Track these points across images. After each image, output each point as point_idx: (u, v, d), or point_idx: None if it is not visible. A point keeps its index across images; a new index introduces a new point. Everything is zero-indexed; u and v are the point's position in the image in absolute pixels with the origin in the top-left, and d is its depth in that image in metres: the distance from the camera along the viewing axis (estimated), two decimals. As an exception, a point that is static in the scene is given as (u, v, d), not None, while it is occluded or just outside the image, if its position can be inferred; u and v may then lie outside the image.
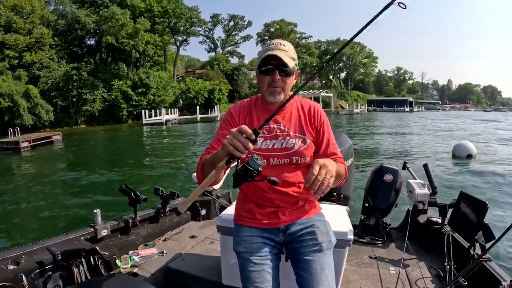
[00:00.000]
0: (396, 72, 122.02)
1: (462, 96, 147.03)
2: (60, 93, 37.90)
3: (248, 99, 1.94)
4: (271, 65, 1.67)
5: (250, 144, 1.30)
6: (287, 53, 1.68)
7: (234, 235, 1.85)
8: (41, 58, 38.14)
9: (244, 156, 1.32)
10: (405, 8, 1.20)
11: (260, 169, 1.36)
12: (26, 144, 20.59)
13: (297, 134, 1.76)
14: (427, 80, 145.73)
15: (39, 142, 21.87)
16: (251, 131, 1.30)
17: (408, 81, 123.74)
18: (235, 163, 1.37)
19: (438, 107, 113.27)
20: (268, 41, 1.75)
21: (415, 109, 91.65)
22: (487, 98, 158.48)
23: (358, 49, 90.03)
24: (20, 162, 16.60)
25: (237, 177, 1.40)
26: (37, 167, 14.91)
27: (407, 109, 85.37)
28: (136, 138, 27.62)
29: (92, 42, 46.76)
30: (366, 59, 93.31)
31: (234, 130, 1.32)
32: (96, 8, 43.92)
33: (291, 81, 1.74)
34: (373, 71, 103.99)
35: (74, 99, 38.75)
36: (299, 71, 1.84)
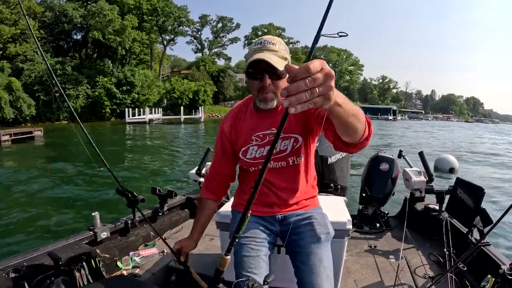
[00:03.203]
0: (381, 80, 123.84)
1: (445, 107, 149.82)
2: (43, 87, 37.22)
3: (240, 102, 1.84)
4: (259, 68, 1.49)
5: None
6: (277, 53, 1.51)
7: (231, 221, 1.88)
8: (26, 51, 37.38)
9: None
10: (347, 35, 0.98)
11: None
12: (7, 137, 20.15)
13: (289, 135, 1.65)
14: (411, 90, 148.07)
15: (20, 137, 21.40)
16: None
17: (393, 90, 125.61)
18: None
19: (421, 116, 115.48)
20: (257, 39, 1.58)
21: (399, 118, 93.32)
22: (469, 110, 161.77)
23: (344, 56, 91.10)
24: (1, 156, 16.18)
25: None
26: (19, 163, 14.50)
27: (391, 117, 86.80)
28: (120, 137, 27.28)
29: (78, 36, 46.20)
30: (352, 67, 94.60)
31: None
32: (84, 2, 43.40)
33: (284, 83, 1.53)
34: (359, 79, 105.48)
35: (57, 94, 38.09)
36: None
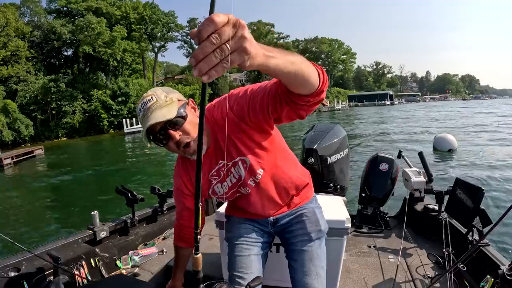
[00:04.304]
0: (375, 66, 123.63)
1: (441, 87, 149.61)
2: (39, 107, 37.18)
3: (178, 155, 1.70)
4: (158, 132, 1.38)
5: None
6: (159, 103, 1.36)
7: (225, 225, 1.86)
8: (18, 72, 37.28)
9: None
10: None
11: None
12: (9, 160, 20.06)
13: (234, 160, 1.54)
14: (405, 73, 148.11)
15: (21, 158, 21.40)
16: None
17: (387, 75, 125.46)
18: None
19: (418, 98, 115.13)
20: (138, 106, 1.42)
21: (396, 102, 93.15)
22: (465, 87, 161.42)
23: (336, 46, 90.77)
24: (5, 179, 16.21)
25: None
26: (24, 183, 14.57)
27: (388, 102, 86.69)
28: (120, 147, 27.34)
29: (69, 52, 46.14)
30: (344, 56, 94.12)
31: None
32: (72, 18, 43.23)
33: (191, 122, 1.41)
34: (352, 67, 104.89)
35: (54, 112, 38.07)
36: (191, 98, 1.53)
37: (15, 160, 20.65)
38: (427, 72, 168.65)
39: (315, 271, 1.61)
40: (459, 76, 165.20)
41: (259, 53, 0.76)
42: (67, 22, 42.08)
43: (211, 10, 0.67)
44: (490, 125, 25.30)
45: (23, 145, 32.86)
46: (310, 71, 1.01)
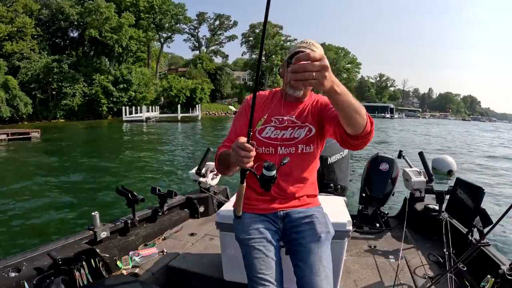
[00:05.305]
0: (378, 78, 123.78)
1: (443, 105, 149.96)
2: (40, 86, 37.17)
3: (265, 91, 1.98)
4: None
5: (252, 153, 1.38)
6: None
7: (236, 223, 1.85)
8: (22, 49, 37.25)
9: (251, 164, 1.41)
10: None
11: (273, 174, 1.47)
12: (4, 136, 20.07)
13: (305, 124, 1.78)
14: (408, 88, 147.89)
15: (17, 137, 21.23)
16: (248, 145, 1.38)
17: (390, 88, 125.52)
18: (247, 172, 1.49)
19: (418, 114, 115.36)
20: (303, 40, 1.79)
21: (396, 116, 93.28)
22: (466, 108, 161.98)
23: (342, 54, 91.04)
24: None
25: (261, 185, 1.53)
26: (17, 163, 14.41)
27: (388, 115, 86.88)
28: (118, 136, 27.12)
29: (75, 34, 46.22)
30: (349, 65, 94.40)
31: (234, 146, 1.43)
32: (81, 0, 43.22)
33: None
34: (356, 77, 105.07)
35: (54, 93, 38.04)
36: None
37: (10, 137, 20.56)
38: (430, 89, 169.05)
39: (324, 273, 1.61)
40: (461, 96, 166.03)
41: (329, 86, 1.14)
42: (76, 4, 42.15)
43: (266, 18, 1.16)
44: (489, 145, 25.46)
45: (20, 123, 32.76)
46: (359, 120, 1.35)
